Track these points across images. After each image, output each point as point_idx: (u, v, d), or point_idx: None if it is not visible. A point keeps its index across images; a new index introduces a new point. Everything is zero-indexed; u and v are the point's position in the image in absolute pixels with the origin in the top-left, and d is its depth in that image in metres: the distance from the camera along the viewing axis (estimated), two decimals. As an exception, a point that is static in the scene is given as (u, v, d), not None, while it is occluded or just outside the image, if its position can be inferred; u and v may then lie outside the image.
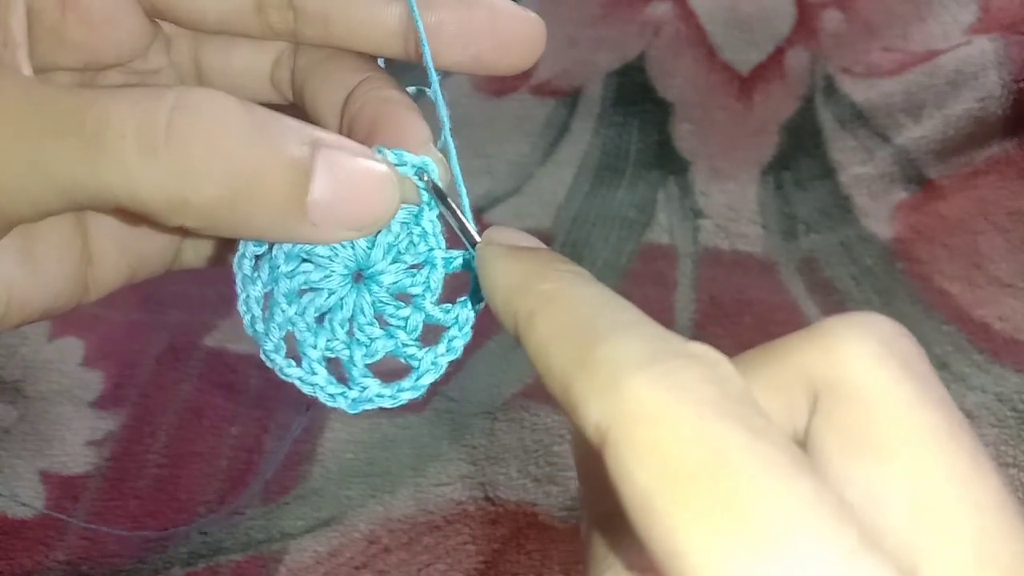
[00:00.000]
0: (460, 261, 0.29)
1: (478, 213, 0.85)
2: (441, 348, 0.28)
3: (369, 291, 0.29)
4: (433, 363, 0.28)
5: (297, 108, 0.33)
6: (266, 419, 0.71)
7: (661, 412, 0.18)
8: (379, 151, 0.27)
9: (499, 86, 0.96)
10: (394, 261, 0.29)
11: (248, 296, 0.29)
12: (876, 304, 0.75)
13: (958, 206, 0.81)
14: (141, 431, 0.71)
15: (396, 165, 0.27)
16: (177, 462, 0.69)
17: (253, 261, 0.29)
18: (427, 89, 0.30)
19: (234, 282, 0.29)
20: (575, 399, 0.20)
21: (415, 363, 0.28)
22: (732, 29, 0.99)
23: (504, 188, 0.87)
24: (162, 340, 0.76)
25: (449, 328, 0.29)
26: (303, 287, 0.29)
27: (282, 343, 0.29)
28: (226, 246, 0.33)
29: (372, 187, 0.26)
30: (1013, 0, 0.93)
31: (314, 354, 0.28)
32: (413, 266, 0.29)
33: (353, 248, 0.28)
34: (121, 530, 0.64)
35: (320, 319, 0.29)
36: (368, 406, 0.28)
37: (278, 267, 0.28)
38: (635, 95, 0.95)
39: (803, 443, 0.21)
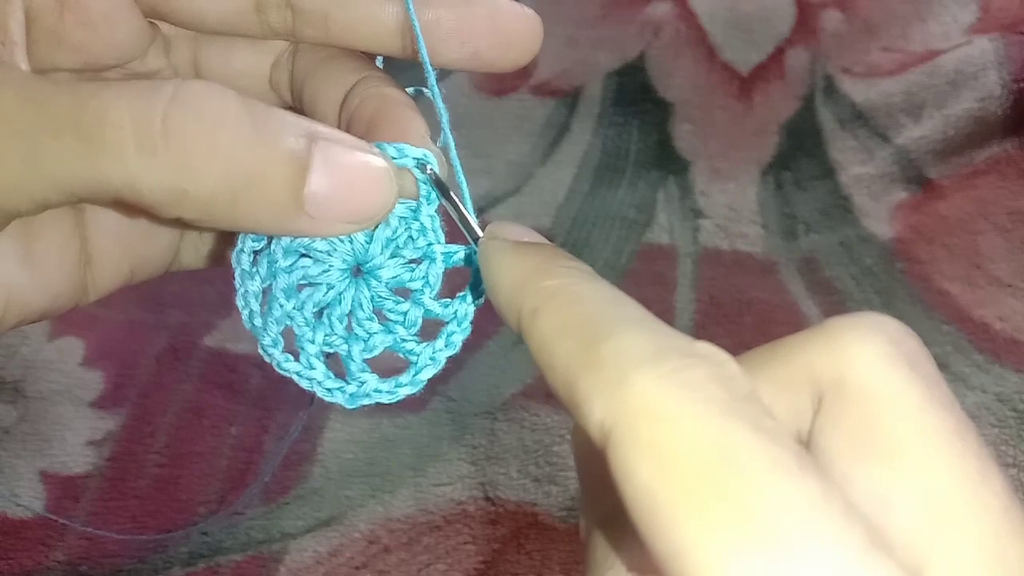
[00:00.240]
0: (460, 256, 0.28)
1: (478, 213, 0.85)
2: (440, 343, 0.28)
3: (368, 286, 0.29)
4: (431, 358, 0.28)
5: (296, 111, 0.33)
6: (266, 419, 0.71)
7: (667, 410, 0.18)
8: (379, 146, 0.27)
9: (499, 86, 0.96)
10: (393, 256, 0.28)
11: (246, 291, 0.29)
12: (876, 304, 0.75)
13: (958, 206, 0.81)
14: (141, 431, 0.71)
15: (396, 159, 0.27)
16: (177, 462, 0.69)
17: (252, 256, 0.29)
18: (425, 89, 0.30)
19: (233, 279, 0.29)
20: (579, 396, 0.19)
21: (413, 358, 0.28)
22: (732, 29, 0.99)
23: (504, 188, 0.87)
24: (162, 340, 0.76)
25: (448, 323, 0.28)
26: (301, 282, 0.28)
27: (280, 338, 0.28)
28: (225, 246, 0.33)
29: (369, 180, 0.26)
30: (1013, 0, 0.93)
31: (312, 349, 0.28)
32: (412, 261, 0.29)
33: (351, 242, 0.28)
34: (119, 534, 0.64)
35: (318, 314, 0.29)
36: (366, 401, 0.28)
37: (276, 262, 0.28)
38: (635, 95, 0.95)
39: (806, 443, 0.20)
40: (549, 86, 0.96)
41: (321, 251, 0.28)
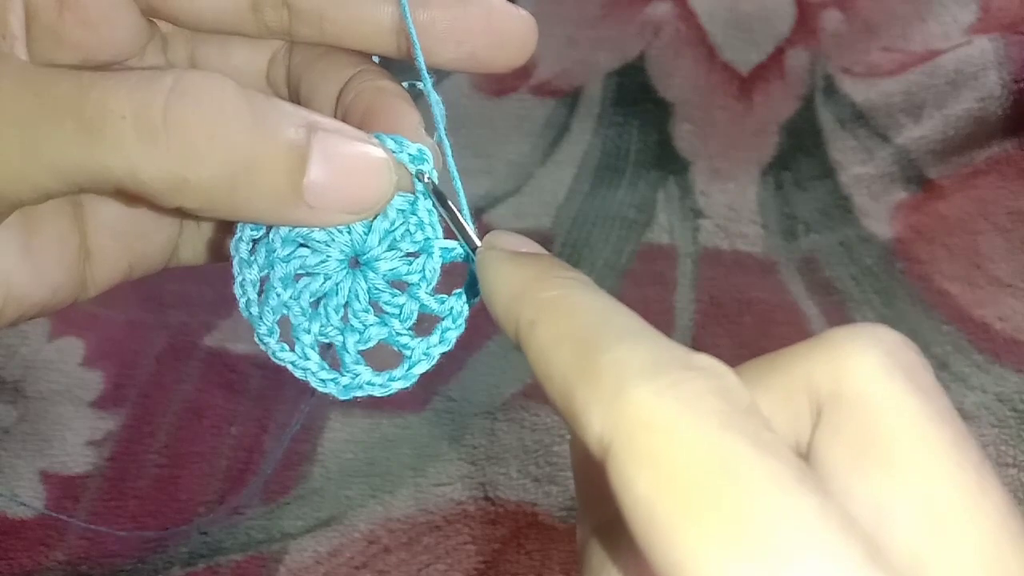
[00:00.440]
0: (458, 251, 0.28)
1: (478, 213, 0.85)
2: (434, 339, 0.28)
3: (365, 278, 0.29)
4: (425, 353, 0.28)
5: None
6: (266, 419, 0.71)
7: (667, 423, 0.18)
8: (377, 137, 0.27)
9: (499, 86, 0.96)
10: (390, 248, 0.28)
11: (244, 279, 0.29)
12: (876, 304, 0.75)
13: (958, 206, 0.81)
14: (141, 431, 0.71)
15: (395, 152, 0.27)
16: (177, 462, 0.69)
17: (250, 245, 0.29)
18: (419, 85, 0.30)
19: (231, 270, 0.29)
20: (577, 408, 0.20)
21: (408, 352, 0.28)
22: (732, 29, 0.99)
23: (504, 188, 0.87)
24: (162, 340, 0.76)
25: (443, 319, 0.28)
26: (299, 271, 0.29)
27: (276, 327, 0.29)
28: (224, 241, 0.33)
29: (368, 171, 0.26)
30: (1013, 0, 0.93)
31: (307, 339, 0.28)
32: (410, 254, 0.29)
33: (350, 233, 0.28)
34: (120, 531, 0.64)
35: (315, 304, 0.29)
36: (359, 393, 0.28)
37: (275, 251, 0.28)
38: (635, 95, 0.95)
39: (806, 454, 0.21)
40: (549, 86, 0.96)
41: (319, 241, 0.28)
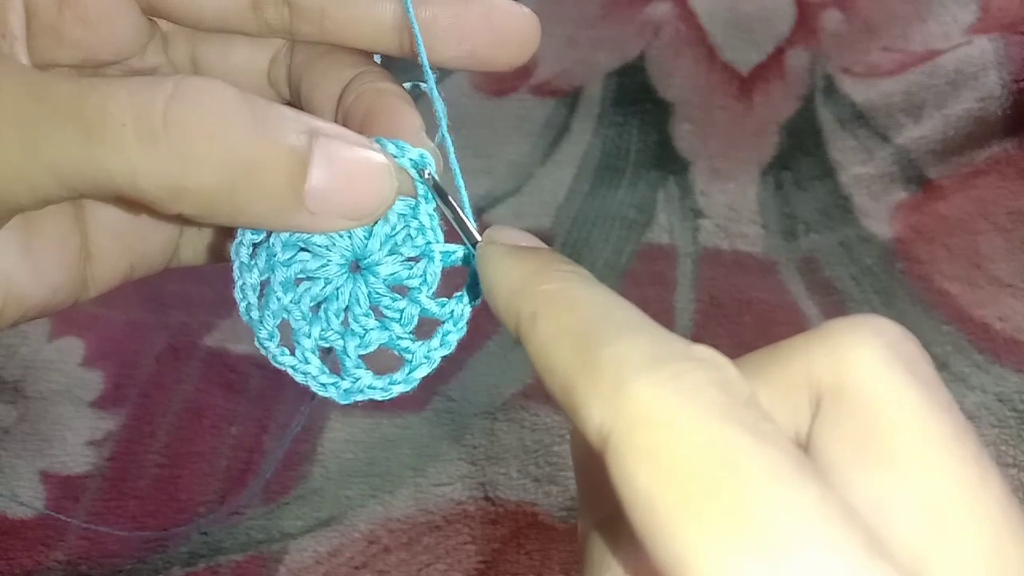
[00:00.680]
0: (458, 256, 0.28)
1: (478, 213, 0.84)
2: (435, 342, 0.28)
3: (365, 282, 0.29)
4: (426, 357, 0.28)
5: (293, 106, 0.33)
6: (266, 419, 0.71)
7: (666, 415, 0.18)
8: (378, 142, 0.27)
9: (499, 86, 0.96)
10: (391, 252, 0.28)
11: (244, 283, 0.29)
12: (876, 304, 0.75)
13: (958, 206, 0.81)
14: (141, 431, 0.71)
15: (395, 156, 0.27)
16: (177, 462, 0.69)
17: (251, 248, 0.29)
18: (423, 85, 0.30)
19: (232, 273, 0.29)
20: (577, 401, 0.20)
21: (408, 356, 0.28)
22: (732, 29, 0.99)
23: (504, 188, 0.87)
24: (162, 340, 0.76)
25: (444, 323, 0.28)
26: (299, 276, 0.29)
27: (276, 331, 0.28)
28: (224, 242, 0.33)
29: (369, 176, 0.26)
30: (1013, 0, 0.93)
31: (308, 343, 0.28)
32: (410, 259, 0.29)
33: (351, 238, 0.28)
34: (120, 530, 0.64)
35: (315, 308, 0.29)
36: (359, 397, 0.28)
37: (275, 255, 0.28)
38: (635, 95, 0.95)
39: (805, 446, 0.20)
40: (549, 86, 0.96)
41: (320, 245, 0.28)
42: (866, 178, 0.84)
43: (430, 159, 0.28)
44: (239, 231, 0.29)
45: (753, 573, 0.16)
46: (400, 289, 0.29)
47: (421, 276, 0.28)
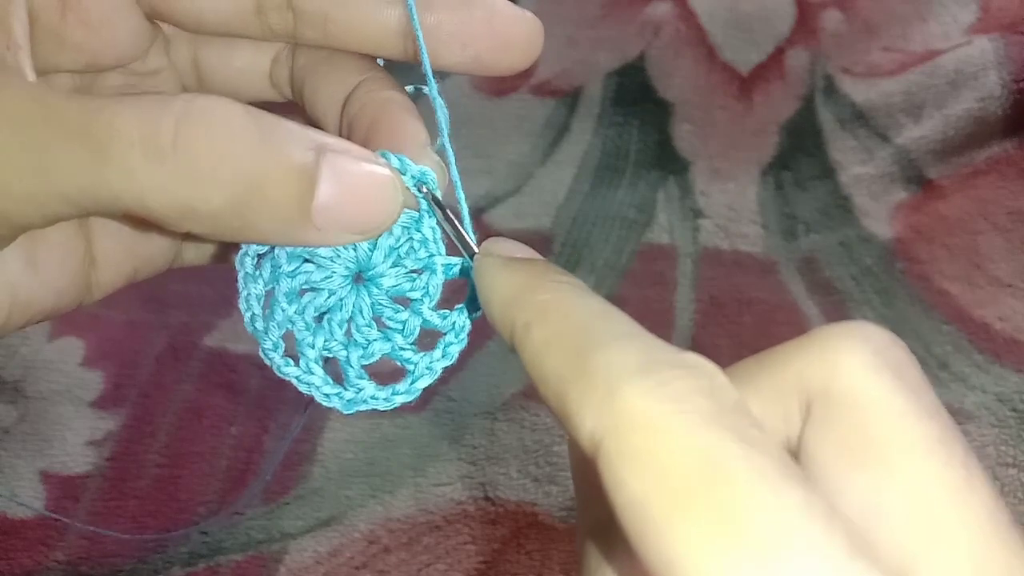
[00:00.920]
0: (459, 268, 0.29)
1: (478, 213, 0.85)
2: (437, 354, 0.29)
3: (369, 293, 0.29)
4: (428, 368, 0.29)
5: (297, 108, 0.33)
6: (266, 419, 0.71)
7: (655, 422, 0.18)
8: (382, 155, 0.27)
9: (499, 86, 0.96)
10: (395, 265, 0.29)
11: (249, 294, 0.29)
12: (876, 304, 0.75)
13: (958, 206, 0.81)
14: (141, 431, 0.71)
15: (400, 173, 0.28)
16: (177, 462, 0.69)
17: (255, 259, 0.29)
18: (424, 87, 0.30)
19: (235, 280, 0.29)
20: (570, 408, 0.20)
21: (411, 367, 0.29)
22: (732, 29, 0.99)
23: (504, 188, 0.87)
24: (162, 340, 0.76)
25: (446, 334, 0.29)
26: (304, 287, 0.29)
27: (281, 341, 0.29)
28: (228, 244, 0.33)
29: (376, 191, 0.26)
30: (1013, 0, 0.93)
31: (312, 354, 0.29)
32: (413, 271, 0.29)
33: (355, 250, 0.28)
34: (120, 533, 0.64)
35: (319, 319, 0.29)
36: (362, 407, 0.29)
37: (280, 266, 0.29)
38: (635, 95, 0.95)
39: (796, 451, 0.21)
40: (549, 86, 0.96)
41: (325, 257, 0.28)
42: (866, 178, 0.84)
43: (431, 175, 0.28)
44: None
45: (739, 574, 0.17)
46: (402, 301, 0.29)
47: (423, 288, 0.29)
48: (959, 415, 0.67)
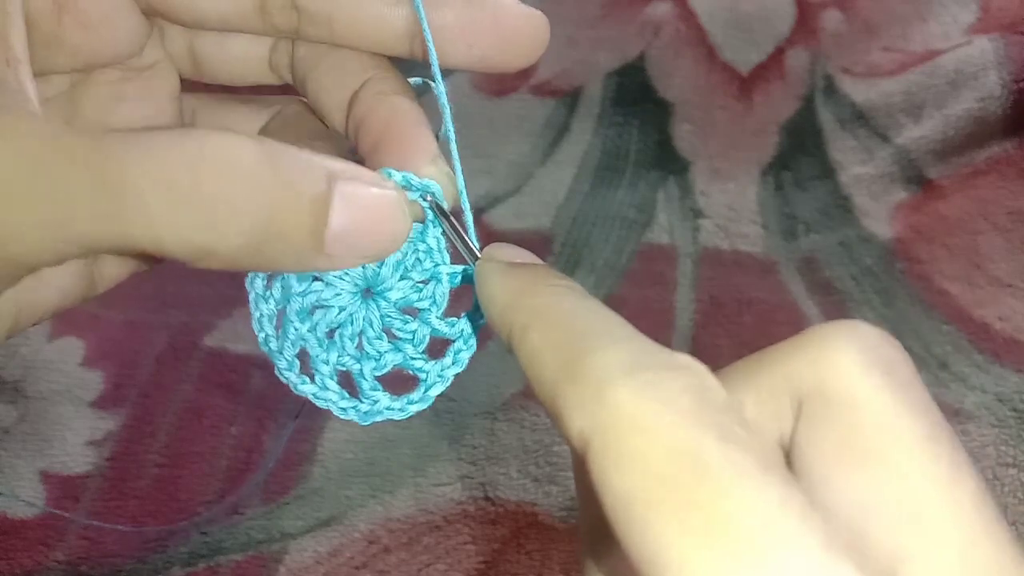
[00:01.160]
0: (464, 275, 0.29)
1: (478, 213, 0.85)
2: (447, 361, 0.29)
3: (378, 306, 0.30)
4: (440, 375, 0.29)
5: (298, 93, 0.33)
6: (266, 419, 0.71)
7: (641, 421, 0.19)
8: (387, 174, 0.28)
9: (499, 86, 0.96)
10: (402, 278, 0.29)
11: (261, 315, 0.30)
12: (876, 304, 0.75)
13: (958, 206, 0.81)
14: (141, 431, 0.71)
15: (403, 186, 0.28)
16: (177, 462, 0.69)
17: (265, 281, 0.30)
18: (432, 82, 0.31)
19: (235, 280, 0.30)
20: (561, 408, 0.21)
21: (423, 375, 0.29)
22: (732, 29, 0.99)
23: (504, 188, 0.87)
24: (162, 340, 0.76)
25: (455, 341, 0.29)
26: (314, 305, 0.30)
27: (296, 360, 0.30)
28: None
29: (386, 215, 0.27)
30: (1013, 0, 0.93)
31: (326, 369, 0.30)
32: (420, 281, 0.30)
33: (363, 267, 0.29)
34: (122, 526, 0.64)
35: (331, 334, 0.30)
36: (378, 418, 0.30)
37: (290, 287, 0.29)
38: (635, 95, 0.95)
39: (789, 450, 0.21)
40: (549, 86, 0.96)
41: (334, 276, 0.29)
42: (866, 178, 0.84)
43: (437, 188, 0.29)
44: None
45: (718, 570, 0.17)
46: (411, 311, 0.30)
47: (430, 297, 0.29)
48: (959, 415, 0.67)
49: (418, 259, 0.29)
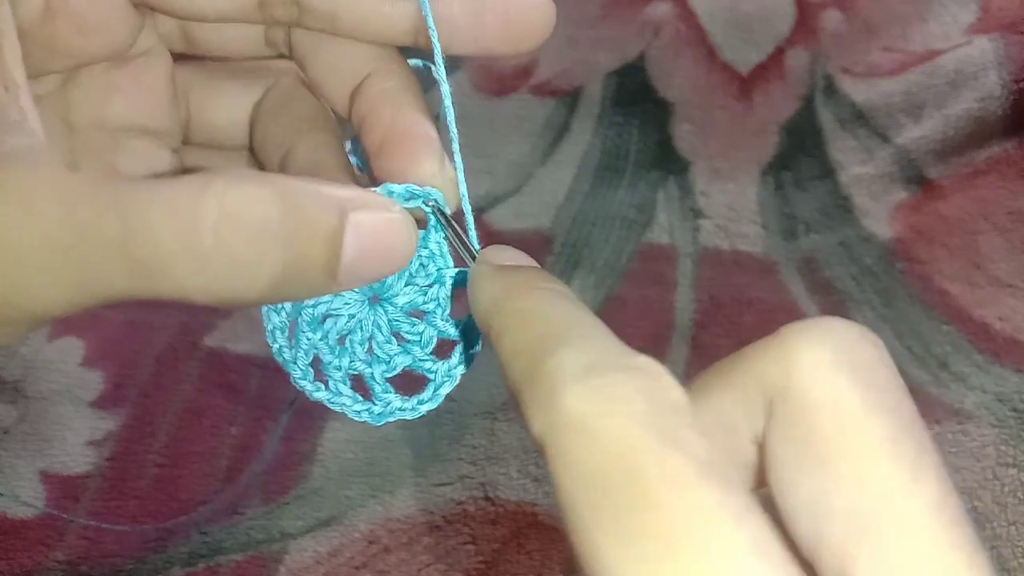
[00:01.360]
0: (467, 277, 0.30)
1: (478, 213, 0.85)
2: (454, 360, 0.30)
3: (385, 311, 0.30)
4: (448, 375, 0.30)
5: (291, 62, 0.33)
6: (266, 419, 0.71)
7: (586, 424, 0.19)
8: (388, 191, 0.28)
9: (499, 86, 0.96)
10: (408, 284, 0.30)
11: (274, 327, 0.31)
12: (876, 304, 0.75)
13: (958, 206, 0.81)
14: (141, 431, 0.71)
15: (407, 198, 0.29)
16: (177, 462, 0.69)
17: None
18: (432, 65, 0.31)
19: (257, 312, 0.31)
20: (523, 410, 0.21)
21: (431, 375, 0.30)
22: (732, 29, 0.99)
23: (504, 188, 0.87)
24: (162, 340, 0.76)
25: (461, 342, 0.30)
26: (325, 314, 0.31)
27: (310, 369, 0.31)
28: None
29: (394, 239, 0.27)
30: (1013, 0, 0.93)
31: (338, 375, 0.31)
32: (424, 285, 0.31)
33: None
34: (122, 526, 0.64)
35: (341, 340, 0.31)
36: (391, 419, 0.31)
37: (301, 300, 0.30)
38: (635, 95, 0.95)
39: (761, 449, 0.21)
40: (549, 86, 0.96)
41: None
42: (866, 178, 0.84)
43: (439, 195, 0.29)
44: None
45: (647, 572, 0.18)
46: (417, 314, 0.31)
47: (435, 300, 0.30)
48: (959, 415, 0.67)
49: (422, 264, 0.30)
